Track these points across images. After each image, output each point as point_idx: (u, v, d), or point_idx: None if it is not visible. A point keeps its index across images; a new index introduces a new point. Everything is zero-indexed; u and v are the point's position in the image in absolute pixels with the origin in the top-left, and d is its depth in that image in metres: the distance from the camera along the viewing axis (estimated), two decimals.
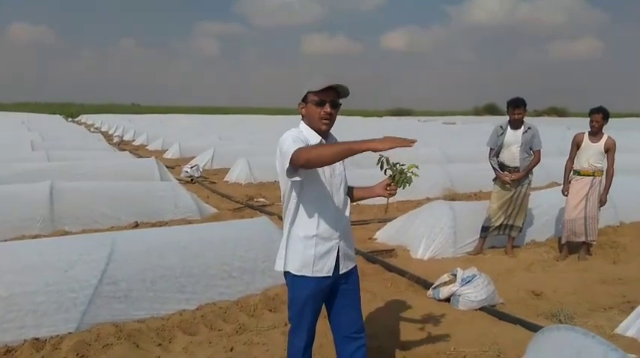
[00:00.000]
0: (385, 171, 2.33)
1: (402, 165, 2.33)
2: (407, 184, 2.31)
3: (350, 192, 2.54)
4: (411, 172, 2.30)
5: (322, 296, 2.39)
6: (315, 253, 2.30)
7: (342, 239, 2.37)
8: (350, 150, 1.98)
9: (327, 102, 2.22)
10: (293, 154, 2.07)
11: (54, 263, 3.50)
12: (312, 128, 2.29)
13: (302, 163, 2.07)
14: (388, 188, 2.34)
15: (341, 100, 2.31)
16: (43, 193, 5.98)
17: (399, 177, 2.31)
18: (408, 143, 1.93)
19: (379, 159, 2.33)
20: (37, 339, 3.17)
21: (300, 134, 2.26)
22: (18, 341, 3.15)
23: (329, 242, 2.32)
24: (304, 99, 2.28)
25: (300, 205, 2.29)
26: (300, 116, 2.35)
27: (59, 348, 3.13)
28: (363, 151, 1.96)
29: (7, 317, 3.18)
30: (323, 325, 2.70)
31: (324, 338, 3.14)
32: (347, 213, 2.41)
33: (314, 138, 2.27)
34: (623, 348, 1.92)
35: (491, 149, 5.49)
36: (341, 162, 2.35)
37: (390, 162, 2.33)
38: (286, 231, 2.37)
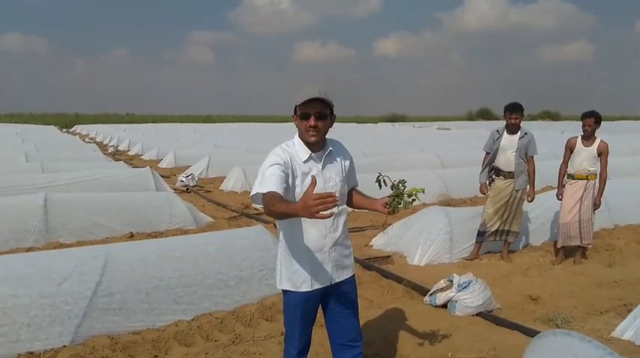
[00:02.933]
0: (391, 187, 2.29)
1: (404, 185, 2.27)
2: (401, 208, 2.25)
3: (351, 195, 2.54)
4: (415, 196, 2.25)
5: (313, 304, 2.40)
6: (308, 266, 2.31)
7: (336, 250, 2.36)
8: (286, 214, 1.97)
9: (311, 115, 2.20)
10: (257, 196, 2.13)
11: (48, 275, 3.47)
12: (302, 141, 2.30)
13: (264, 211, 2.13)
14: (387, 206, 2.32)
15: (335, 109, 2.30)
16: (37, 205, 5.95)
17: (391, 201, 2.27)
18: (329, 203, 1.77)
19: (377, 177, 2.31)
20: (31, 353, 3.15)
21: (288, 149, 2.27)
22: (12, 355, 3.12)
23: (320, 254, 2.32)
24: (295, 112, 2.28)
25: (290, 220, 2.27)
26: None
27: None
28: (294, 215, 1.95)
29: (1, 331, 3.15)
30: (320, 333, 2.69)
31: (320, 346, 3.13)
32: (341, 224, 2.38)
33: (304, 152, 2.28)
34: (619, 352, 1.93)
35: (486, 153, 5.51)
36: (338, 172, 2.36)
37: (391, 181, 2.28)
38: (280, 245, 2.38)
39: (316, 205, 1.74)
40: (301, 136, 2.29)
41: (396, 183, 2.27)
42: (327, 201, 1.75)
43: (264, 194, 2.09)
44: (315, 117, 2.21)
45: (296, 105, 2.25)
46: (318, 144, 2.30)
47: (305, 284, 2.32)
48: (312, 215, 1.76)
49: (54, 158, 12.05)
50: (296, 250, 2.31)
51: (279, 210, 1.98)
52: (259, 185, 2.15)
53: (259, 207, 2.25)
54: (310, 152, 2.29)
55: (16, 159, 11.67)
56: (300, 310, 2.35)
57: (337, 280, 2.39)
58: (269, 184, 2.11)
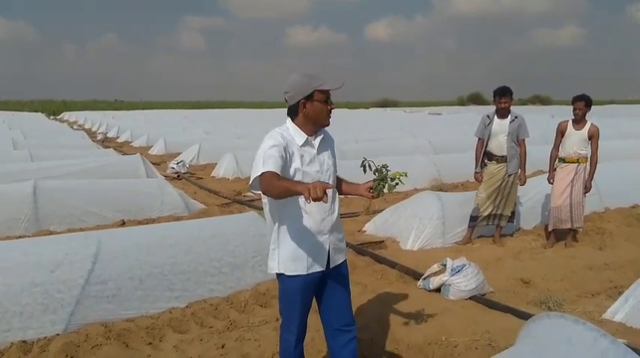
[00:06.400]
0: (374, 171, 2.29)
1: (387, 169, 2.29)
2: (385, 191, 2.27)
3: (338, 183, 2.54)
4: (398, 180, 2.26)
5: (311, 290, 2.40)
6: (307, 250, 2.31)
7: (333, 233, 2.37)
8: (288, 190, 2.03)
9: (330, 99, 2.30)
10: (257, 179, 2.14)
11: (39, 263, 3.44)
12: (308, 124, 2.30)
13: (261, 191, 2.16)
14: (371, 190, 2.33)
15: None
16: (26, 193, 5.88)
17: (375, 185, 2.28)
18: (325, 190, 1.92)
19: (362, 161, 2.31)
20: (24, 342, 3.13)
21: (284, 134, 2.28)
22: (4, 343, 3.10)
23: (319, 237, 2.33)
24: (309, 97, 2.26)
25: (287, 204, 2.28)
26: (288, 113, 2.33)
27: (47, 350, 3.09)
28: (297, 194, 1.99)
29: None
30: (315, 319, 2.69)
31: (315, 332, 3.13)
32: (336, 207, 2.41)
33: (299, 136, 2.30)
34: (611, 333, 1.94)
35: (478, 139, 5.51)
36: (330, 156, 2.40)
37: (375, 165, 2.29)
38: (275, 230, 2.36)
39: (322, 189, 1.87)
40: (316, 120, 2.30)
41: (379, 167, 2.28)
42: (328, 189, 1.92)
43: (263, 173, 2.11)
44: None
45: (315, 90, 2.25)
46: (313, 130, 2.32)
47: (302, 266, 2.31)
48: (316, 194, 1.85)
49: (42, 145, 11.91)
50: (295, 233, 2.30)
51: (283, 185, 2.05)
52: (262, 166, 2.14)
53: (258, 193, 2.27)
54: (307, 136, 2.30)
55: (3, 147, 11.51)
56: (299, 297, 2.35)
57: (336, 263, 2.41)
58: (268, 165, 2.13)
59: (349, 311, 2.51)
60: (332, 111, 2.33)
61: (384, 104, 68.23)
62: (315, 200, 1.88)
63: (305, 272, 2.31)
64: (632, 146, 11.78)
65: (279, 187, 2.06)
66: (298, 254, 2.31)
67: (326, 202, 1.93)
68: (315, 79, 2.25)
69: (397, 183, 2.26)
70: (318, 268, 2.34)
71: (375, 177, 2.29)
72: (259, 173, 2.12)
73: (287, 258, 2.32)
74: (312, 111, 2.28)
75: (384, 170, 2.27)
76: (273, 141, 2.22)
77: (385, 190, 2.26)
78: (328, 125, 2.35)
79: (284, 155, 2.20)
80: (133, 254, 3.74)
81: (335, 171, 2.44)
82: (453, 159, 9.68)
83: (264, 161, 2.15)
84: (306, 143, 2.30)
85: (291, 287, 2.34)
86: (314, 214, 2.29)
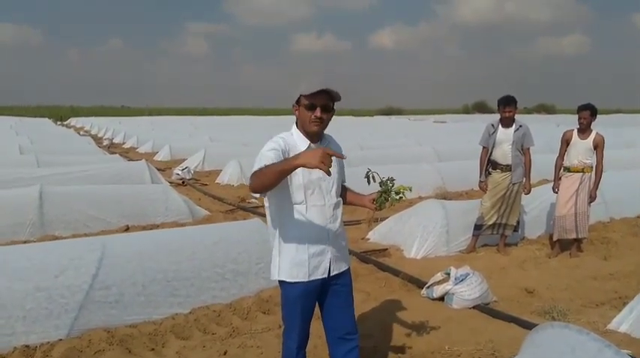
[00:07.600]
0: (380, 184, 2.29)
1: (392, 182, 2.28)
2: (388, 206, 2.27)
3: (344, 192, 2.53)
4: (402, 194, 2.26)
5: (312, 297, 2.39)
6: (307, 257, 2.30)
7: (334, 241, 2.36)
8: (282, 171, 1.99)
9: (317, 107, 2.20)
10: (250, 184, 2.13)
11: (44, 268, 3.45)
12: (303, 130, 2.28)
13: (256, 191, 2.13)
14: (374, 202, 2.32)
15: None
16: (32, 198, 5.91)
17: (377, 197, 2.28)
18: (332, 158, 1.89)
19: (367, 172, 2.31)
20: (27, 346, 3.13)
21: (287, 139, 2.26)
22: (8, 348, 3.11)
23: (320, 244, 2.31)
24: (298, 102, 2.26)
25: (289, 210, 2.28)
26: (295, 118, 2.34)
27: (50, 355, 3.10)
28: (295, 168, 1.96)
29: None
30: (317, 326, 2.68)
31: (318, 339, 3.13)
32: (339, 215, 2.39)
33: (302, 142, 2.27)
34: (616, 343, 1.94)
35: (483, 147, 5.51)
36: (335, 164, 2.35)
37: (380, 177, 2.29)
38: (276, 237, 2.36)
39: (324, 157, 1.85)
40: (303, 126, 2.27)
41: (384, 179, 2.28)
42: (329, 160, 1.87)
43: (254, 171, 2.10)
44: (321, 108, 2.21)
45: (301, 95, 2.22)
46: (317, 136, 2.29)
47: (304, 274, 2.30)
48: (317, 161, 1.84)
49: (48, 151, 11.97)
50: (296, 240, 2.30)
51: (273, 168, 2.00)
52: (256, 166, 2.13)
53: (256, 196, 2.26)
54: (309, 142, 2.28)
55: (10, 152, 11.59)
56: (300, 304, 2.34)
57: (336, 272, 2.38)
58: (261, 165, 2.11)
59: (352, 320, 2.50)
60: (320, 119, 2.20)
61: (388, 112, 68.35)
62: (322, 167, 1.83)
63: (306, 280, 2.30)
64: (638, 155, 11.74)
65: (269, 172, 2.01)
66: (298, 261, 2.30)
67: (329, 174, 1.88)
68: (302, 83, 2.22)
69: (401, 198, 2.26)
70: (319, 275, 2.32)
71: (380, 188, 2.29)
72: (254, 170, 2.11)
73: (287, 265, 2.31)
74: (300, 117, 2.27)
75: (388, 183, 2.27)
76: (273, 145, 2.21)
77: (387, 203, 2.26)
78: (314, 131, 2.25)
79: (282, 157, 2.17)
80: (136, 259, 3.75)
81: (340, 179, 2.42)
82: (457, 168, 9.66)
83: (259, 161, 2.14)
84: (309, 149, 2.25)
85: (293, 294, 2.34)
86: (315, 221, 2.28)
